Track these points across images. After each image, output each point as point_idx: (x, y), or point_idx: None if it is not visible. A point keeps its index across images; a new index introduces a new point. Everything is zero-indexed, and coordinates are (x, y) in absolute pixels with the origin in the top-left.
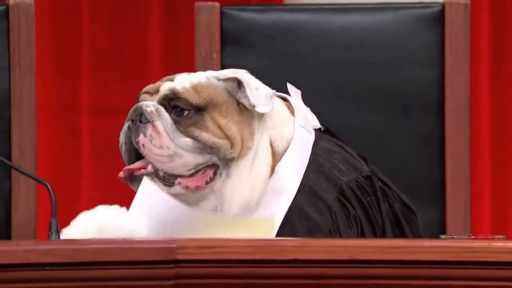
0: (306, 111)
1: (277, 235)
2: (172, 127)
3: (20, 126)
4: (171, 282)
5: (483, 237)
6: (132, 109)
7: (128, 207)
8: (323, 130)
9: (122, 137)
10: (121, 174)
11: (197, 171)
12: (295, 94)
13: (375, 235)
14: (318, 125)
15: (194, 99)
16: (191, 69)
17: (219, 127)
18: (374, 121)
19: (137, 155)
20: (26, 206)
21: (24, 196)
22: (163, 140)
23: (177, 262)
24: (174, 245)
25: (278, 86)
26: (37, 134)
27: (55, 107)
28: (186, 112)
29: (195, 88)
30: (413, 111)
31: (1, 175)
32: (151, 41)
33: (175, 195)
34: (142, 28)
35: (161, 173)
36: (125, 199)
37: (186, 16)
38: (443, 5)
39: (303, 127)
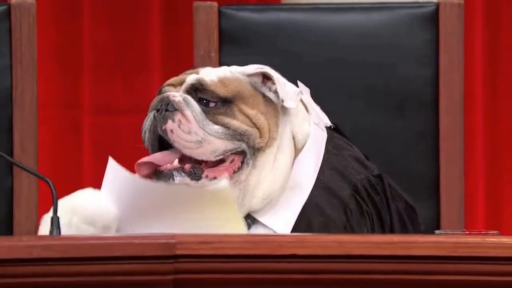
0: (317, 108)
1: (293, 230)
2: (201, 115)
3: (22, 123)
4: (171, 277)
5: (477, 232)
6: (156, 99)
7: None
8: (333, 128)
9: (146, 125)
10: (144, 171)
11: (225, 160)
12: (305, 91)
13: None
14: (329, 123)
15: (222, 91)
16: (191, 67)
17: (248, 117)
18: (370, 118)
19: (160, 145)
20: (28, 202)
21: (26, 193)
22: (192, 126)
23: (176, 257)
24: (173, 240)
25: None
26: (38, 131)
27: (57, 105)
28: (212, 104)
29: (222, 81)
30: (408, 108)
31: (3, 171)
32: (151, 40)
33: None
34: (142, 28)
35: (187, 168)
36: None
37: (185, 16)
38: (437, 5)
39: (317, 125)
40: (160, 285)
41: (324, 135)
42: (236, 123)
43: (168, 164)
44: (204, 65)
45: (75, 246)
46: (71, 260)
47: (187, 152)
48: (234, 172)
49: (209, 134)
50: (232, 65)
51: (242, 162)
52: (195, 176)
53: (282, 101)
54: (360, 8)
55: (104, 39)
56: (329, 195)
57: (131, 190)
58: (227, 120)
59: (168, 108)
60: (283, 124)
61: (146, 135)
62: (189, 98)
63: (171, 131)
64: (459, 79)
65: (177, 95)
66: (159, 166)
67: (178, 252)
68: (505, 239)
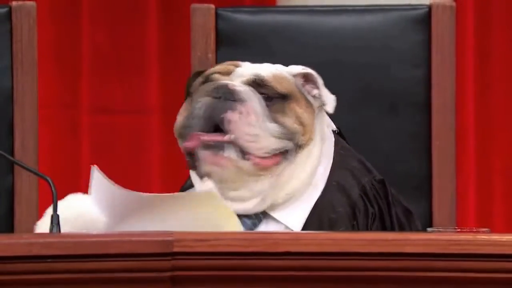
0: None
1: (304, 226)
2: (263, 110)
3: (22, 123)
4: (168, 274)
5: (468, 230)
6: (210, 85)
7: None
8: (337, 133)
9: (198, 110)
10: (189, 144)
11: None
12: None
13: None
14: (334, 127)
15: (280, 88)
16: (187, 68)
17: (297, 115)
18: (364, 118)
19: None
20: (28, 201)
21: (26, 191)
22: (252, 119)
23: (173, 254)
24: (171, 238)
25: None
26: (38, 131)
27: (56, 105)
28: (271, 100)
29: (276, 78)
30: (401, 108)
31: (4, 170)
32: (149, 41)
33: (240, 169)
34: (140, 29)
35: (237, 144)
36: None
37: (182, 17)
38: (429, 7)
39: (327, 127)
40: (158, 282)
41: (332, 137)
42: (290, 121)
43: (219, 137)
44: (201, 66)
45: (74, 243)
46: (71, 257)
47: (240, 142)
48: (275, 164)
49: (265, 130)
50: None
51: (284, 158)
52: (241, 153)
53: (324, 104)
54: (354, 10)
55: (103, 41)
56: (341, 193)
57: (119, 201)
58: (282, 118)
59: (229, 97)
60: (316, 124)
61: (194, 121)
62: (253, 90)
63: (229, 121)
64: (451, 79)
65: (238, 84)
66: (206, 138)
67: (176, 249)
68: (496, 237)
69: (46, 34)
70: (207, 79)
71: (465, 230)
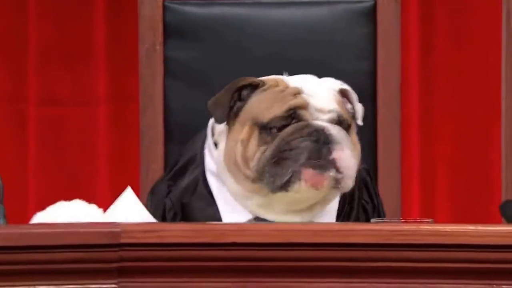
0: None
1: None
2: (349, 149)
3: None
4: (115, 265)
5: (412, 220)
6: (307, 128)
7: (70, 194)
8: None
9: (301, 156)
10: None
11: None
12: None
13: None
14: None
15: (348, 118)
16: (135, 60)
17: (352, 144)
18: None
19: None
20: None
21: None
22: (348, 159)
23: (121, 245)
24: (118, 229)
25: (218, 77)
26: None
27: (2, 97)
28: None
29: (341, 106)
30: None
31: None
32: (96, 33)
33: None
34: (87, 21)
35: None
36: (70, 187)
37: (130, 9)
38: (375, 1)
39: None
40: (105, 273)
41: None
42: (357, 157)
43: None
44: (149, 58)
45: (20, 234)
46: (17, 248)
47: (348, 173)
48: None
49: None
50: (176, 58)
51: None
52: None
53: (358, 119)
54: (301, 3)
55: (49, 32)
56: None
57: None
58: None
59: (327, 141)
60: None
61: (294, 166)
62: (343, 132)
63: (341, 159)
64: (396, 72)
65: (331, 127)
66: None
67: (123, 240)
68: (439, 227)
69: None
70: (296, 116)
71: (409, 220)
